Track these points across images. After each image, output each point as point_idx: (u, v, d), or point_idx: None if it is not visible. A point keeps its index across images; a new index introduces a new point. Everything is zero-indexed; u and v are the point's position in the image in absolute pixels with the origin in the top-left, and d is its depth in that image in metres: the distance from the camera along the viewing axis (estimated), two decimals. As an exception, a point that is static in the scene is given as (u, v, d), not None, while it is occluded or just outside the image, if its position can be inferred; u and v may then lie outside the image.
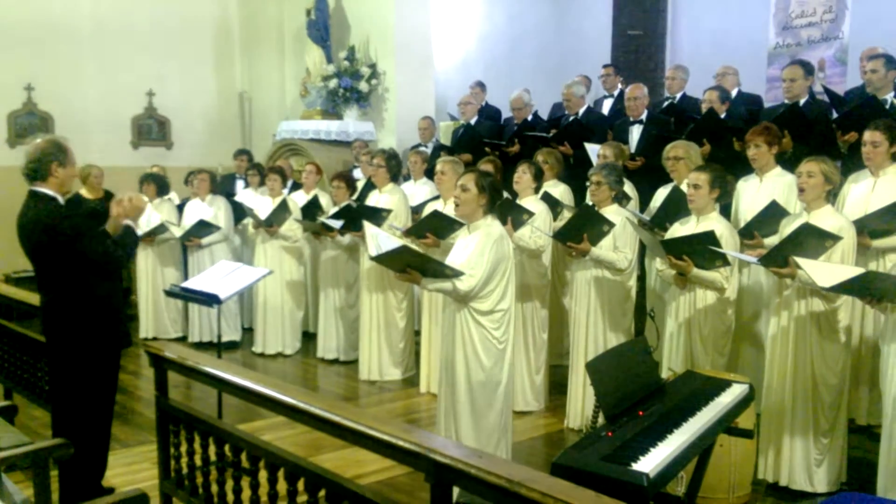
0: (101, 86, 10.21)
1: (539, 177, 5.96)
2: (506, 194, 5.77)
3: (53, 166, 3.94)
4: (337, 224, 6.74)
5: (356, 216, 6.54)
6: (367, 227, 5.00)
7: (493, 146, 7.72)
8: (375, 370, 6.83)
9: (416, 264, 4.29)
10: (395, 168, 6.99)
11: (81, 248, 3.90)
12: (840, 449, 4.38)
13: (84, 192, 8.50)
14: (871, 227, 4.72)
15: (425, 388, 6.45)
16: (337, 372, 7.17)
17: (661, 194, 5.86)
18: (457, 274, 4.19)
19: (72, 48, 9.97)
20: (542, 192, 6.29)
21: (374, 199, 6.87)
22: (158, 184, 8.32)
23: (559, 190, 6.46)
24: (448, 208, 5.99)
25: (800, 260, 3.99)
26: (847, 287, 3.80)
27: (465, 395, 4.36)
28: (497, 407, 4.38)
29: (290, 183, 8.57)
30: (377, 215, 6.41)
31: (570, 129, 7.33)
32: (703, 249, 4.50)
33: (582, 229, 5.14)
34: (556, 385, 6.12)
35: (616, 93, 8.32)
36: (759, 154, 5.25)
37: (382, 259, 4.43)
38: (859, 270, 3.84)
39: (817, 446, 4.32)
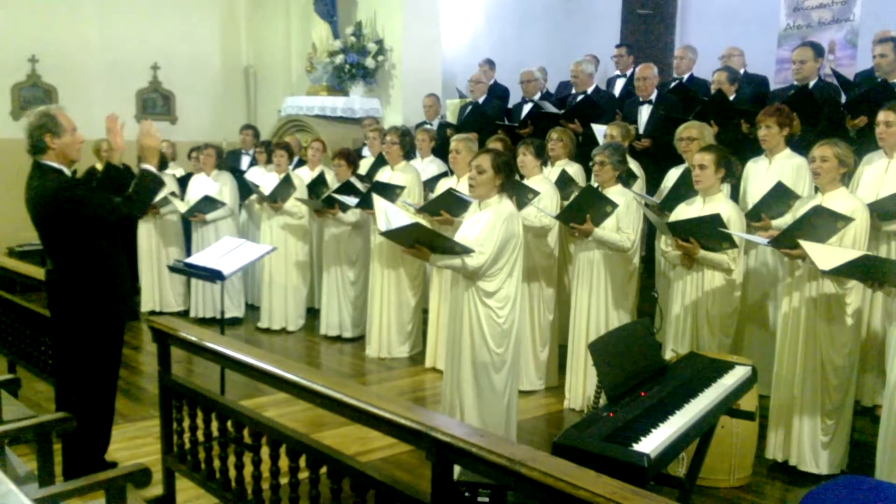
0: (106, 58, 10.16)
1: (541, 154, 5.92)
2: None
3: (47, 138, 3.91)
4: (352, 202, 6.71)
5: (369, 193, 6.51)
6: (377, 200, 4.98)
7: (506, 128, 7.68)
8: (385, 347, 6.85)
9: (426, 240, 4.29)
10: (408, 145, 6.96)
11: (89, 213, 3.89)
12: (846, 432, 4.39)
13: (99, 166, 8.51)
14: (882, 210, 4.69)
15: (430, 363, 6.48)
16: (340, 349, 7.18)
17: (672, 175, 5.82)
18: (466, 251, 4.19)
19: (76, 20, 9.91)
20: (558, 170, 6.26)
21: (385, 177, 6.85)
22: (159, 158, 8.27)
23: (573, 169, 6.43)
24: (462, 185, 5.97)
25: (803, 243, 3.98)
26: (847, 270, 3.80)
27: (470, 375, 4.38)
28: (501, 387, 4.41)
29: (295, 159, 8.54)
30: (390, 192, 6.39)
31: (581, 107, 7.28)
32: (709, 231, 4.49)
33: (584, 210, 5.12)
34: (561, 365, 6.11)
35: (629, 73, 8.25)
36: (769, 135, 5.21)
37: (392, 234, 4.43)
38: (858, 253, 3.84)
39: (823, 428, 4.33)
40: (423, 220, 6.24)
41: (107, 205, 3.95)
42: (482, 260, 4.21)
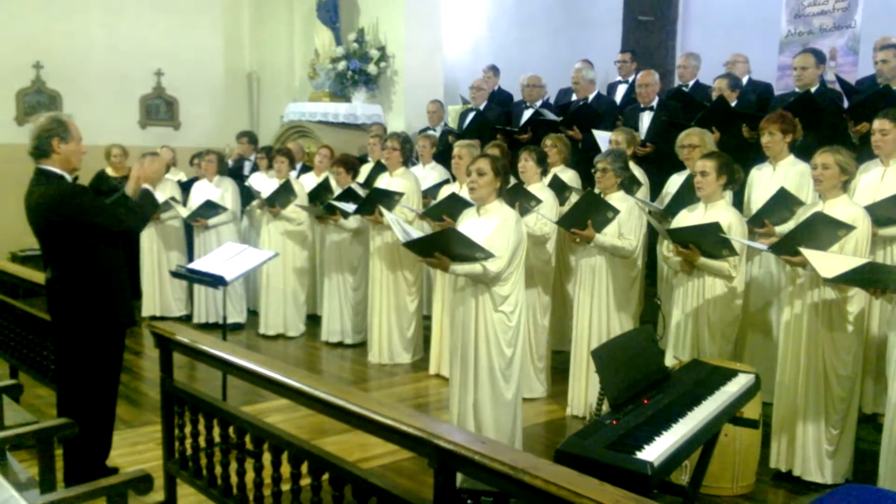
0: (110, 65, 10.20)
1: (542, 161, 5.94)
2: (513, 181, 5.77)
3: (55, 142, 3.92)
4: (350, 208, 6.71)
5: (368, 200, 6.51)
6: (387, 214, 5.02)
7: (505, 133, 7.68)
8: (385, 353, 6.83)
9: (448, 248, 4.30)
10: (408, 152, 6.97)
11: (91, 221, 3.90)
12: (850, 441, 4.37)
13: (109, 171, 8.58)
14: (878, 215, 4.69)
15: (435, 370, 6.46)
16: (342, 355, 7.17)
17: (674, 181, 5.82)
18: (488, 255, 4.23)
19: (80, 26, 9.95)
20: (551, 176, 6.27)
21: (384, 183, 6.83)
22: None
23: (568, 175, 6.44)
24: (465, 192, 5.97)
25: (804, 251, 3.97)
26: (850, 278, 3.79)
27: (487, 383, 4.40)
28: (514, 389, 4.47)
29: (299, 165, 8.55)
30: (389, 198, 6.39)
31: (579, 114, 7.28)
32: (709, 238, 4.48)
33: (586, 216, 5.12)
34: (558, 371, 6.11)
35: (631, 79, 8.26)
36: (773, 142, 5.20)
37: (413, 245, 4.44)
38: (861, 261, 3.83)
39: (828, 437, 4.31)
40: (426, 225, 6.26)
41: (111, 214, 3.98)
42: (502, 264, 4.27)
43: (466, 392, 4.45)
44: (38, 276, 5.17)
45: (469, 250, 4.25)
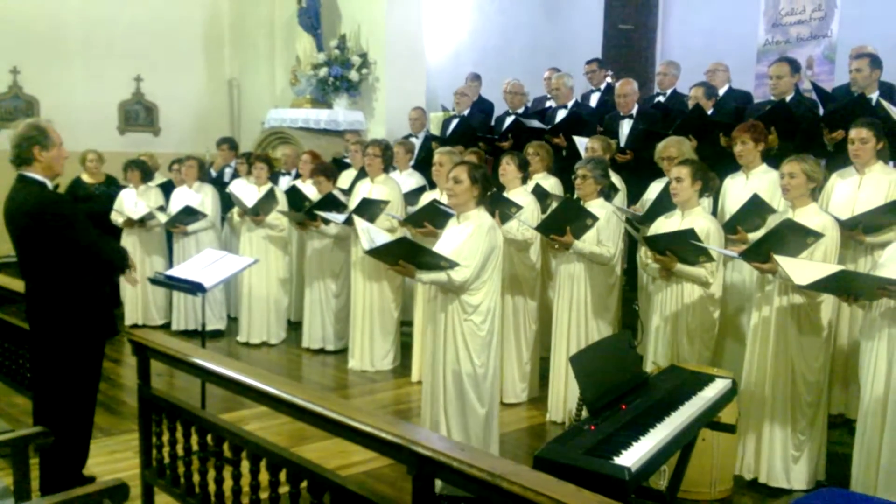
0: (89, 70, 10.12)
1: (524, 167, 5.95)
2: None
3: (35, 150, 3.89)
4: (339, 218, 6.68)
5: (357, 211, 6.48)
6: (358, 222, 5.00)
7: (487, 140, 7.71)
8: (367, 360, 6.82)
9: (410, 256, 4.29)
10: (389, 158, 6.97)
11: (71, 235, 3.87)
12: (818, 446, 4.41)
13: (85, 177, 8.51)
14: (867, 223, 4.74)
15: (417, 377, 6.44)
16: (323, 362, 7.15)
17: (654, 189, 5.86)
18: (452, 265, 4.19)
19: (59, 31, 9.87)
20: (533, 184, 6.30)
21: (366, 189, 6.83)
22: (142, 170, 8.26)
23: (550, 182, 6.46)
24: (445, 198, 5.98)
25: (778, 257, 4.02)
26: (823, 285, 3.84)
27: (453, 389, 4.35)
28: (485, 399, 4.40)
29: (294, 171, 8.53)
30: (375, 206, 6.39)
31: (568, 122, 7.31)
32: (684, 245, 4.52)
33: (565, 222, 5.14)
34: (544, 377, 6.12)
35: (603, 86, 8.31)
36: (745, 151, 5.26)
37: (376, 252, 4.43)
38: (835, 269, 3.88)
39: (794, 442, 4.35)
40: (407, 232, 6.26)
41: (87, 236, 3.95)
42: (467, 274, 4.21)
43: (437, 400, 4.42)
44: (14, 284, 5.12)
45: (431, 259, 4.24)
